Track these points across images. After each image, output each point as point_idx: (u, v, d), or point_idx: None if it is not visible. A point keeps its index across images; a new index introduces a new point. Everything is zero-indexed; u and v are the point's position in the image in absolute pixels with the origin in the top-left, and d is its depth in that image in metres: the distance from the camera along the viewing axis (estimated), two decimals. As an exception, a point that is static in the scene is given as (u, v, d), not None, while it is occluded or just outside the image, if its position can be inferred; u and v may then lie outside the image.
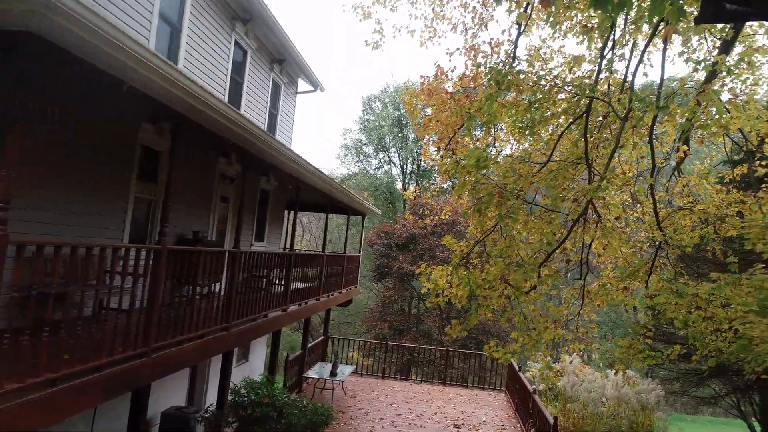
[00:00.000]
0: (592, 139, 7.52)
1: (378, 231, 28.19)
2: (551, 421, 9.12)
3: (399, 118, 37.28)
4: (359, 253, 16.32)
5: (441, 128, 9.31)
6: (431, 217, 11.89)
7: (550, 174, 6.72)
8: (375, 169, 38.77)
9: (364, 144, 38.77)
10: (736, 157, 14.52)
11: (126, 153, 7.06)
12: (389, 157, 39.16)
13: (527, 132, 7.33)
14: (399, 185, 39.48)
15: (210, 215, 9.75)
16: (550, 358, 8.98)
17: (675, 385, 13.34)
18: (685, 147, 8.87)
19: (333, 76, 69.08)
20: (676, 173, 8.99)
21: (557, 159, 7.53)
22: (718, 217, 7.97)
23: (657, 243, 7.55)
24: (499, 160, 7.61)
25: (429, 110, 10.16)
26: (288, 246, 9.45)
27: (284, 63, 12.69)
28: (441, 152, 9.37)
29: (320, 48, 72.39)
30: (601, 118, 7.57)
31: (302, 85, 14.39)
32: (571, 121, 7.18)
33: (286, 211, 16.14)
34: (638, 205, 7.71)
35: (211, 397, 10.10)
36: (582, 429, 10.45)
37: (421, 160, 37.64)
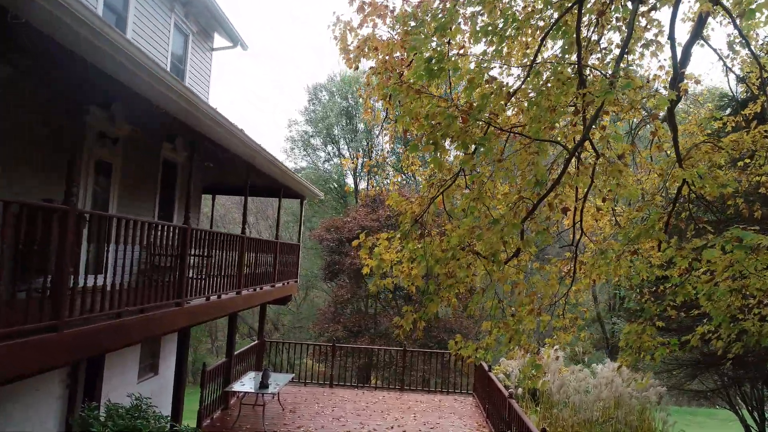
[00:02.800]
0: (585, 44, 5.51)
1: (327, 226, 25.84)
2: (537, 433, 7.05)
3: (347, 108, 35.10)
4: (298, 242, 13.97)
5: (380, 63, 7.11)
6: (377, 189, 9.69)
7: (535, 79, 4.62)
8: (324, 162, 36.44)
9: (311, 136, 36.38)
10: (718, 116, 12.89)
11: None
12: (339, 150, 36.89)
13: (495, 42, 5.22)
14: (350, 179, 37.24)
15: (79, 182, 7.29)
16: (532, 355, 6.91)
17: (665, 377, 11.57)
18: (696, 77, 6.96)
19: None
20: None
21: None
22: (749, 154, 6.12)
23: (677, 187, 5.57)
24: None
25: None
26: (185, 222, 7.03)
27: (189, 6, 10.28)
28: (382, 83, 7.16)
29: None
30: (595, 17, 5.54)
31: (219, 40, 12.00)
32: (559, 15, 5.10)
33: (207, 196, 13.68)
34: (652, 135, 5.65)
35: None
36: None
37: (372, 152, 35.56)
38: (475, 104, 4.73)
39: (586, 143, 5.37)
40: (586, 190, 5.67)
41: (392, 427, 10.29)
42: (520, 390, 10.30)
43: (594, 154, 5.36)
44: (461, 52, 6.05)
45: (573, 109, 4.94)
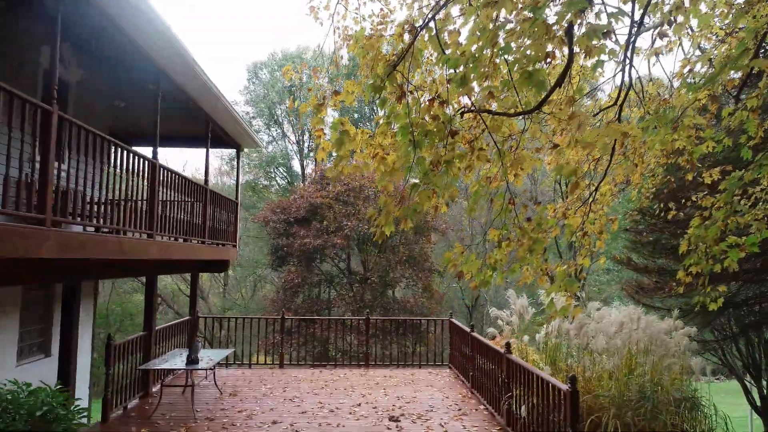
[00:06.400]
0: None
1: (273, 207, 23.54)
2: (564, 386, 5.16)
3: (290, 89, 32.74)
4: (236, 200, 11.67)
5: None
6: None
7: None
8: (268, 144, 33.97)
9: (253, 117, 33.81)
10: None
11: None
12: (283, 131, 34.51)
13: None
14: (296, 163, 34.89)
15: None
16: (553, 274, 5.03)
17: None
18: None
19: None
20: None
21: None
22: None
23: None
24: None
25: None
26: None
27: None
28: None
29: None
30: None
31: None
32: None
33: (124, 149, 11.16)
34: None
35: None
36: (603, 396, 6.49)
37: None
38: None
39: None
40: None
41: (359, 404, 8.26)
42: (526, 338, 8.42)
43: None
44: None
45: None
